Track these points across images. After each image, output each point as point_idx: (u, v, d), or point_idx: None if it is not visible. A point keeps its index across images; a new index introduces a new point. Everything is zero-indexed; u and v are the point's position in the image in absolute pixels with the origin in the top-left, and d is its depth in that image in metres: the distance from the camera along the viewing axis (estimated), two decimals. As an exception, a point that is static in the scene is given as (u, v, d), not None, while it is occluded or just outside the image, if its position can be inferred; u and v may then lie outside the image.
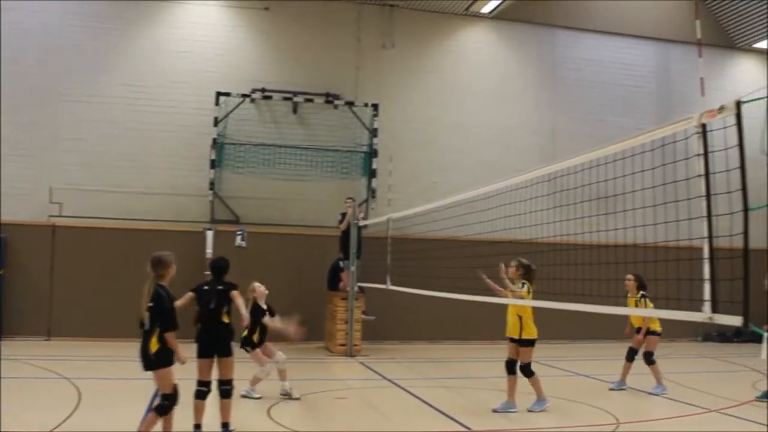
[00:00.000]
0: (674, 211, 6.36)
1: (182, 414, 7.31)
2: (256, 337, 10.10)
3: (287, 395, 10.00)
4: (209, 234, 16.86)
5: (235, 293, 8.00)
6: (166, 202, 17.16)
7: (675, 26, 21.02)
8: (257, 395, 9.90)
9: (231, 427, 7.77)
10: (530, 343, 9.75)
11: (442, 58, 19.66)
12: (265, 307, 10.32)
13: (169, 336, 6.74)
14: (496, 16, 19.86)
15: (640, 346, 11.79)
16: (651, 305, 11.11)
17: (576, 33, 20.84)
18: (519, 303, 9.69)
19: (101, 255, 16.31)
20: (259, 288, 10.43)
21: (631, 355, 11.86)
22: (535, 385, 9.78)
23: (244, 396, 9.76)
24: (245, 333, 10.05)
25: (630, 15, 21.19)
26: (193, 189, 17.26)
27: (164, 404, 6.79)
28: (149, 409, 6.99)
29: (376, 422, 9.01)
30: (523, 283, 9.69)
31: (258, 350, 10.12)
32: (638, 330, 11.79)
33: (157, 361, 6.71)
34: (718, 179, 5.24)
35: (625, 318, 12.10)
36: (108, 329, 15.57)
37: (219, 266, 8.37)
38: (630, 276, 11.57)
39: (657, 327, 11.71)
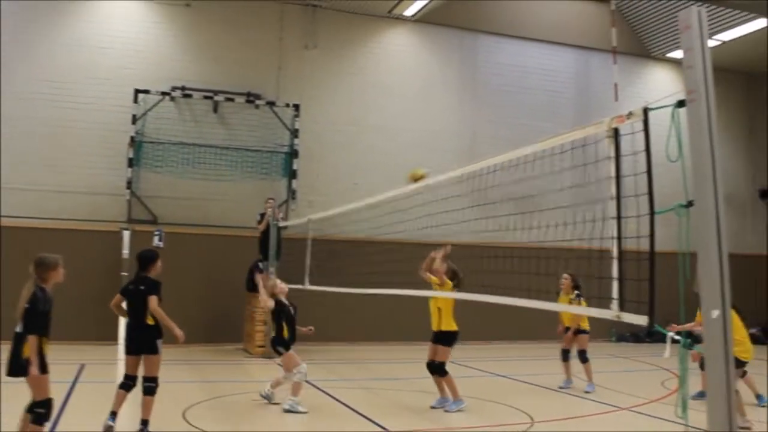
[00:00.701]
0: (588, 213, 6.49)
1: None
2: (286, 333, 9.85)
3: (292, 410, 9.45)
4: (126, 234, 16.57)
5: (151, 298, 7.73)
6: (82, 201, 16.70)
7: (594, 34, 21.51)
8: (303, 409, 9.43)
9: (149, 427, 7.67)
10: (449, 339, 9.90)
11: (365, 60, 19.70)
12: (287, 303, 10.15)
13: (32, 340, 6.28)
14: (419, 19, 20.00)
15: (571, 345, 12.09)
16: (585, 304, 11.46)
17: (498, 38, 21.14)
18: (436, 295, 9.79)
19: (11, 255, 15.75)
20: (281, 285, 10.30)
21: (565, 355, 12.14)
22: (449, 385, 9.89)
23: (287, 411, 9.37)
24: (274, 334, 9.99)
25: (551, 22, 21.61)
26: (110, 188, 16.85)
27: (40, 412, 6.43)
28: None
29: (292, 424, 8.99)
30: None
31: (292, 352, 9.82)
32: (568, 329, 12.08)
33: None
34: (627, 183, 5.38)
35: (556, 318, 12.35)
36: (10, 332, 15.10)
37: (142, 257, 8.19)
38: (566, 275, 11.91)
39: (586, 325, 12.09)
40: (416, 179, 10.01)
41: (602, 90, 21.20)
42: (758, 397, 10.44)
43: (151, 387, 7.73)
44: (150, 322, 7.75)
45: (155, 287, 7.86)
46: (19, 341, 6.37)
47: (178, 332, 7.68)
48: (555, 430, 9.11)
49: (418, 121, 19.91)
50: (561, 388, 11.92)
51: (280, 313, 9.93)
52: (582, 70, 21.98)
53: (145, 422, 7.67)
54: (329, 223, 14.16)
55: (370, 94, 19.59)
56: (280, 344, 9.86)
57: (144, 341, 7.79)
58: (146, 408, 7.71)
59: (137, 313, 7.81)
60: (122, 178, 16.74)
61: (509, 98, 20.94)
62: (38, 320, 6.41)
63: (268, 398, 9.79)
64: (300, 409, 9.39)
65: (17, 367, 6.34)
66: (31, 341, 6.29)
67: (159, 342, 7.77)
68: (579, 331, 12.05)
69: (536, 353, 16.28)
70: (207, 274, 16.84)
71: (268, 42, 18.69)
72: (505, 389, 12.03)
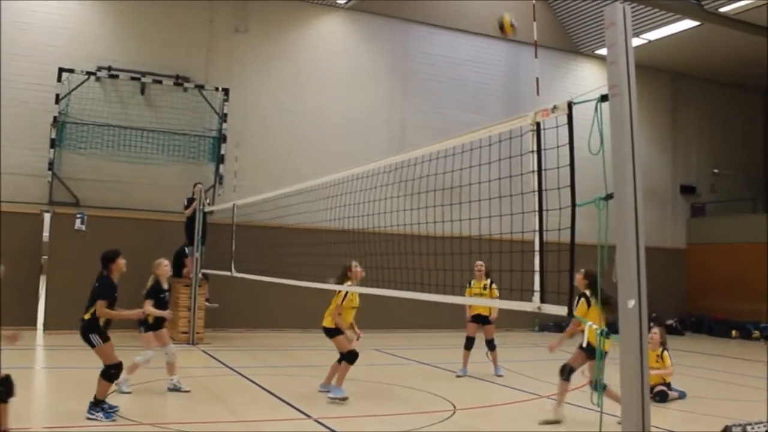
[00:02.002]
0: (511, 205, 6.57)
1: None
2: (151, 319, 9.83)
3: (176, 389, 9.68)
4: (47, 216, 16.17)
5: (99, 303, 8.09)
6: (1, 182, 16.14)
7: (525, 28, 21.60)
8: (128, 389, 9.43)
9: (107, 403, 8.07)
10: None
11: (296, 46, 19.55)
12: (166, 287, 10.14)
13: None
14: (352, 7, 19.95)
15: (476, 333, 12.23)
16: (496, 293, 11.61)
17: (429, 28, 21.23)
18: (353, 290, 9.75)
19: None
20: (165, 267, 10.20)
21: (470, 344, 12.25)
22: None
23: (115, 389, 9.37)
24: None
25: (483, 14, 21.72)
26: (31, 169, 16.31)
27: None
28: None
29: (215, 411, 8.90)
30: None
31: (151, 333, 9.83)
32: (480, 317, 12.18)
33: None
34: (551, 176, 5.46)
35: (464, 308, 12.44)
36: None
37: (102, 257, 8.56)
38: (480, 262, 11.90)
39: (494, 314, 12.28)
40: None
41: (531, 83, 21.36)
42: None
43: (104, 372, 8.11)
44: (86, 317, 8.09)
45: (103, 290, 8.22)
46: None
47: (136, 312, 8.78)
48: (477, 418, 9.23)
49: (348, 108, 19.87)
50: (459, 376, 12.03)
51: (153, 294, 9.88)
52: (512, 63, 22.22)
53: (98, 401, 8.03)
54: (256, 208, 14.06)
55: (300, 80, 19.46)
56: (141, 324, 9.90)
57: (82, 335, 8.19)
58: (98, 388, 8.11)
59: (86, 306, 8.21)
60: (44, 159, 16.26)
61: (439, 89, 21.06)
62: None
63: (177, 388, 9.67)
64: (124, 389, 9.38)
65: None
66: None
67: (93, 336, 8.07)
68: (486, 320, 12.23)
69: (460, 341, 16.43)
70: (131, 259, 16.23)
71: (197, 24, 18.39)
72: (428, 377, 12.12)
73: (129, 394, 9.31)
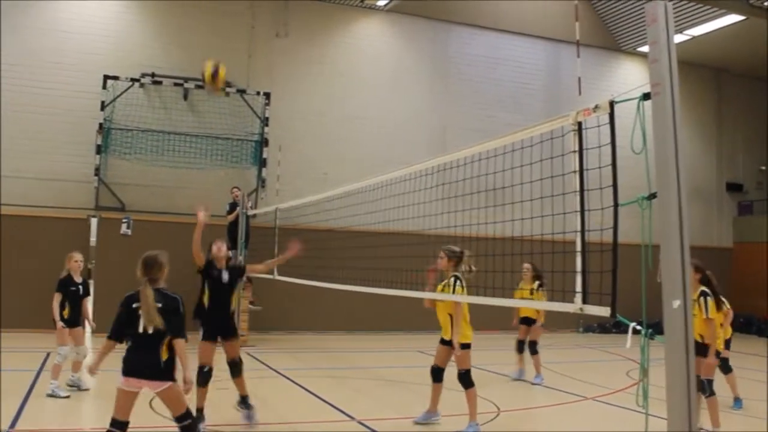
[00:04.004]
0: (552, 206, 6.51)
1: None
2: (67, 313, 9.70)
3: (75, 386, 9.61)
4: (93, 221, 16.43)
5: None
6: (49, 188, 16.46)
7: (566, 27, 21.58)
8: (64, 393, 9.28)
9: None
10: (466, 346, 8.46)
11: (337, 49, 19.64)
12: (79, 280, 10.01)
13: None
14: (392, 9, 20.00)
15: (526, 336, 12.07)
16: (543, 296, 11.34)
17: (470, 29, 21.19)
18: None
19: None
20: (74, 261, 10.08)
21: (521, 346, 12.12)
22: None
23: (50, 395, 9.18)
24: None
25: (524, 14, 21.70)
26: (78, 175, 16.65)
27: None
28: None
29: (259, 412, 8.96)
30: (456, 278, 8.20)
31: (65, 329, 9.61)
32: (528, 320, 11.99)
33: None
34: (593, 175, 5.41)
35: (512, 309, 12.30)
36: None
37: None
38: (527, 265, 11.61)
39: (541, 317, 11.99)
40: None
41: (572, 82, 21.33)
42: (736, 400, 9.85)
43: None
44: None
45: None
46: None
47: None
48: (520, 420, 9.18)
49: (389, 111, 19.91)
50: (515, 379, 11.85)
51: (64, 288, 9.81)
52: (553, 62, 22.08)
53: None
54: (298, 212, 14.14)
55: (341, 83, 19.54)
56: (60, 318, 9.69)
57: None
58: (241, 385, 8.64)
59: None
60: (90, 164, 16.56)
61: (480, 90, 21.00)
62: None
63: (55, 394, 9.23)
64: (61, 393, 9.22)
65: None
66: None
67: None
68: (532, 322, 11.97)
69: (503, 343, 16.35)
70: (174, 262, 16.51)
71: (239, 29, 18.57)
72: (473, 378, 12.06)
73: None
